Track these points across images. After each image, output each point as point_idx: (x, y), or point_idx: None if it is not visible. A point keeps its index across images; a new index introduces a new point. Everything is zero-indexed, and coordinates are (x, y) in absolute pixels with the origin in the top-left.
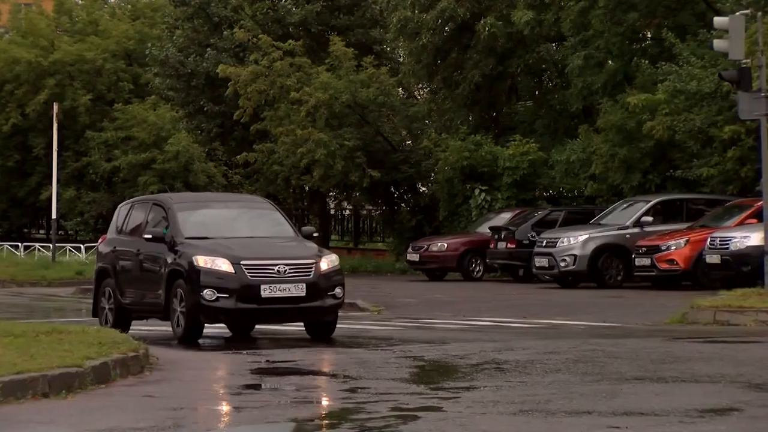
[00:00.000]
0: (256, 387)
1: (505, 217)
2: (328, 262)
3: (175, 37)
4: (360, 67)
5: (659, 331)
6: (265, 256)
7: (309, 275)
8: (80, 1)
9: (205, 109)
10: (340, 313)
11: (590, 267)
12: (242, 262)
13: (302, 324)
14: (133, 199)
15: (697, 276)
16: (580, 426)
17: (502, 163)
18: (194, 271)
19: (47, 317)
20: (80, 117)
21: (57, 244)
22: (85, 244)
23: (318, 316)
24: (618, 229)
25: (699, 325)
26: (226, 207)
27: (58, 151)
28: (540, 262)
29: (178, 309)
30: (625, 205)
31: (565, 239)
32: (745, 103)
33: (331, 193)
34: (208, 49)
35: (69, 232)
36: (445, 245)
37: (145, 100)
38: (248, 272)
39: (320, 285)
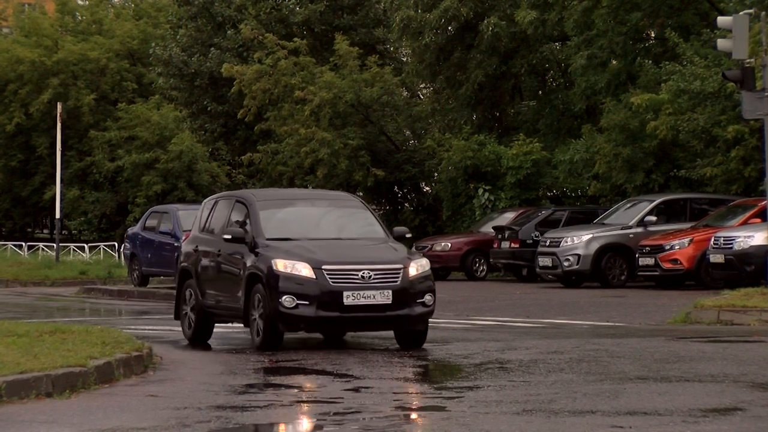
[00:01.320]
0: (260, 386)
1: (509, 216)
2: (417, 266)
3: (178, 37)
4: (363, 67)
5: (662, 330)
6: (349, 260)
7: (396, 281)
8: (81, 1)
9: (209, 108)
10: None
11: (594, 266)
12: (324, 267)
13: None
14: (217, 195)
15: (701, 275)
16: (583, 426)
17: (506, 163)
18: (273, 276)
19: (50, 317)
20: (84, 117)
21: (60, 244)
22: (89, 244)
23: (406, 325)
24: (621, 229)
25: (702, 324)
26: (312, 205)
27: (61, 151)
28: (543, 261)
29: (257, 315)
30: (628, 205)
31: (569, 239)
32: (748, 102)
33: None
34: (212, 48)
35: (72, 232)
36: (449, 245)
37: (149, 100)
38: (330, 278)
39: (408, 292)
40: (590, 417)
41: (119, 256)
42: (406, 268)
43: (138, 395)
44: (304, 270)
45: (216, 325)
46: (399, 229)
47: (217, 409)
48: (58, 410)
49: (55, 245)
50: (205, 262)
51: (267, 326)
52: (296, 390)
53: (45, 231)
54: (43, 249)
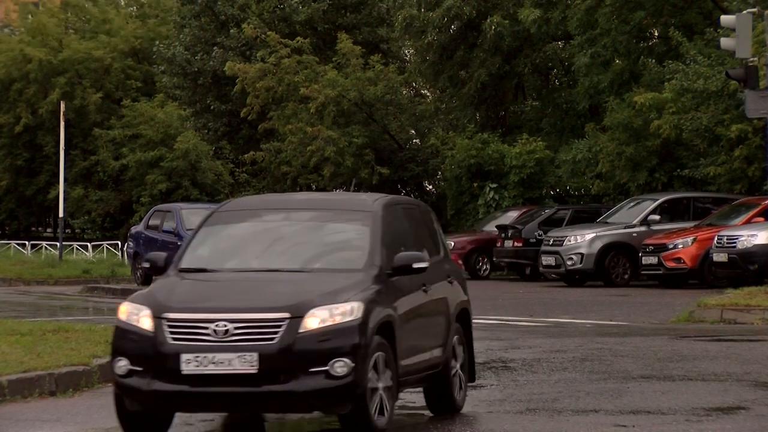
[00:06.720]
0: None
1: (512, 215)
2: (329, 313)
3: (182, 36)
4: (367, 66)
5: (666, 329)
6: (205, 307)
7: (272, 339)
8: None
9: (212, 107)
10: None
11: (597, 265)
12: (165, 316)
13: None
14: None
15: (704, 274)
16: (587, 424)
17: (509, 162)
18: (116, 329)
19: (54, 316)
20: (90, 115)
21: (64, 243)
22: (92, 243)
23: (290, 406)
24: (625, 228)
25: (705, 323)
26: (286, 219)
27: (65, 150)
28: (547, 260)
29: None
30: (631, 204)
31: (572, 238)
32: (752, 101)
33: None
34: (215, 47)
35: (76, 231)
36: (452, 243)
37: (153, 98)
38: (170, 332)
39: (294, 355)
40: (593, 416)
41: (123, 255)
42: (299, 317)
43: None
44: (145, 321)
45: None
46: (402, 255)
47: None
48: (61, 409)
49: (58, 244)
50: None
51: (115, 401)
52: None
53: (49, 230)
54: (46, 248)
